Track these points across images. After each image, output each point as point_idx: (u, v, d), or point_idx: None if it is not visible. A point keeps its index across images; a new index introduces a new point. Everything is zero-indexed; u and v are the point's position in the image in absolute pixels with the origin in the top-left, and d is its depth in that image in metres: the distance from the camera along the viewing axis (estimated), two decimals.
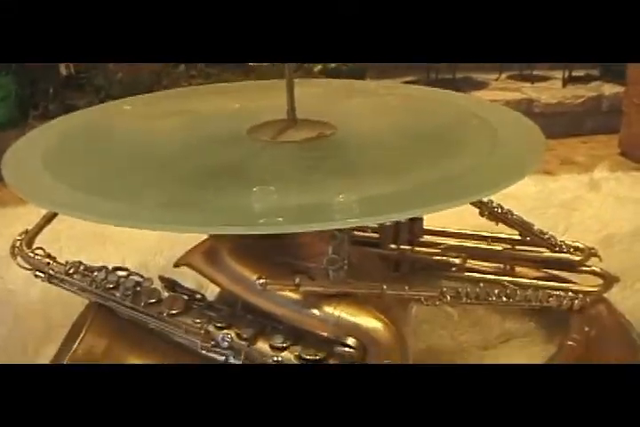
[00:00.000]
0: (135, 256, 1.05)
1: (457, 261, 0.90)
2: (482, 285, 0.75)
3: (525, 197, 1.21)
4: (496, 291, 0.75)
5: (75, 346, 0.68)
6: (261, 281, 0.64)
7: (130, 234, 1.11)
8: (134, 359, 0.69)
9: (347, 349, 0.66)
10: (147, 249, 1.07)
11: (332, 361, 0.67)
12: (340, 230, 0.66)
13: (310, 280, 0.66)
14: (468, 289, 0.73)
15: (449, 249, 0.92)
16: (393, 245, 0.91)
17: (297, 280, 0.65)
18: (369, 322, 0.66)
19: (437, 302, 0.71)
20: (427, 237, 0.93)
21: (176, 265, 0.71)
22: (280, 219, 0.59)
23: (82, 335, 0.69)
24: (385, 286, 0.68)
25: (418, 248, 0.91)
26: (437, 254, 0.91)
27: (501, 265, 0.93)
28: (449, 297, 0.72)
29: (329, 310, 0.67)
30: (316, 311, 0.67)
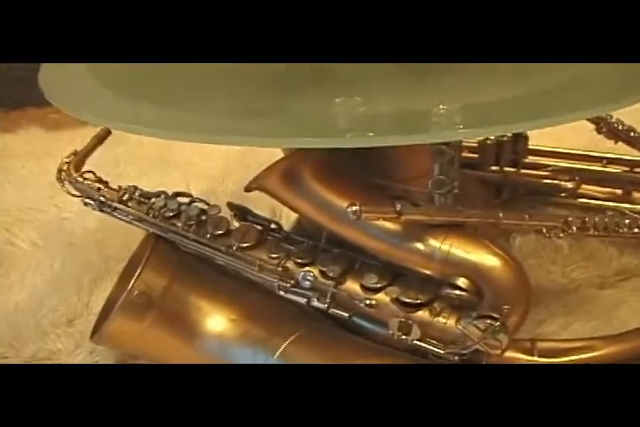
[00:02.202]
0: (201, 182, 0.91)
1: (570, 185, 0.74)
2: (610, 213, 0.60)
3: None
4: (626, 221, 0.60)
5: (130, 285, 0.56)
6: (354, 208, 0.50)
7: (196, 157, 0.98)
8: (198, 300, 0.57)
9: (456, 291, 0.52)
10: (214, 174, 0.93)
11: (436, 305, 0.53)
12: (448, 145, 0.50)
13: (414, 207, 0.51)
14: (596, 219, 0.58)
15: (558, 171, 0.76)
16: (495, 167, 0.75)
17: (398, 207, 0.50)
18: (486, 258, 0.52)
19: (561, 234, 0.56)
20: (532, 158, 0.77)
21: (247, 189, 0.57)
22: (372, 130, 0.44)
23: (138, 273, 0.56)
24: (501, 215, 0.53)
25: (523, 170, 0.76)
26: (546, 177, 0.76)
27: (617, 191, 0.77)
28: (574, 228, 0.57)
29: (435, 243, 0.53)
30: (419, 245, 0.53)
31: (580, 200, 0.76)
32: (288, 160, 0.55)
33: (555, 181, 0.75)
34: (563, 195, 0.76)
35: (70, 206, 0.86)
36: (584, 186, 0.77)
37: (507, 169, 0.75)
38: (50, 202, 0.89)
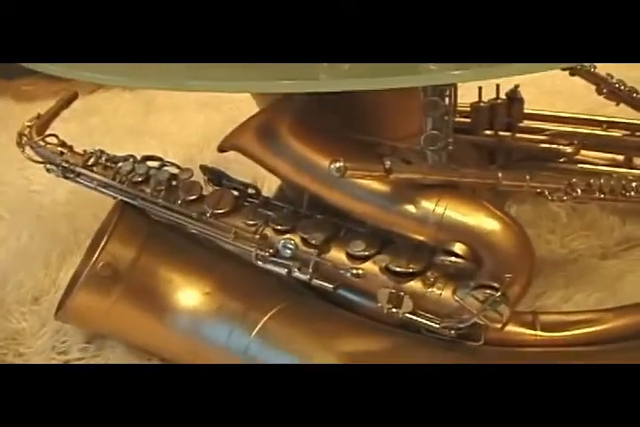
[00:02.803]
0: (179, 150, 0.86)
1: (568, 149, 0.69)
2: (615, 176, 0.55)
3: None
4: (633, 184, 0.54)
5: (94, 257, 0.51)
6: (338, 165, 0.44)
7: (174, 126, 0.94)
8: (169, 272, 0.52)
9: (452, 258, 0.47)
10: (192, 142, 0.88)
11: (430, 275, 0.48)
12: (442, 96, 0.45)
13: (405, 165, 0.46)
14: (602, 181, 0.53)
15: (556, 136, 0.70)
16: (489, 132, 0.69)
17: (387, 164, 0.45)
18: (484, 221, 0.47)
19: (565, 198, 0.51)
20: (528, 123, 0.71)
21: (221, 149, 0.52)
22: (355, 72, 0.39)
23: (103, 243, 0.51)
24: (501, 175, 0.48)
25: (518, 135, 0.70)
26: (543, 142, 0.70)
27: (618, 157, 0.72)
28: (579, 191, 0.51)
29: (428, 205, 0.47)
30: (410, 208, 0.47)
31: (580, 166, 0.70)
32: (263, 115, 0.49)
33: (552, 146, 0.70)
34: (561, 160, 0.70)
35: (40, 179, 0.82)
36: (583, 152, 0.71)
37: (501, 133, 0.69)
38: (19, 174, 0.85)
